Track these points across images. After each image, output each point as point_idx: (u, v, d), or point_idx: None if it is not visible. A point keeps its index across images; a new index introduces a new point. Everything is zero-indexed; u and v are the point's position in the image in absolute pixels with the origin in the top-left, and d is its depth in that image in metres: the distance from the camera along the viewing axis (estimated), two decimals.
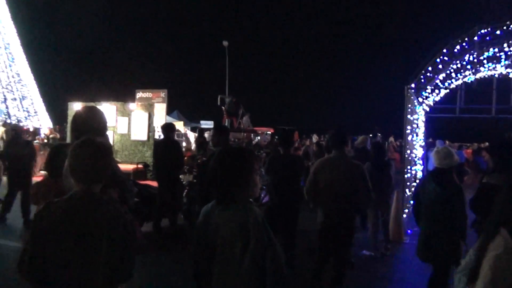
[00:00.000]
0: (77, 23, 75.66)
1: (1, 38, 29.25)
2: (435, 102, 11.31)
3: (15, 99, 29.38)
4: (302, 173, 5.61)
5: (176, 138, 15.25)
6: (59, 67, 51.48)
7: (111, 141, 15.07)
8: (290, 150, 5.69)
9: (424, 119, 11.51)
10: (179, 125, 19.52)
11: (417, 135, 9.94)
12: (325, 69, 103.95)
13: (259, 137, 21.56)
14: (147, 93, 16.05)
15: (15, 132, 8.57)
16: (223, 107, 19.99)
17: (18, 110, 29.32)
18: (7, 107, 28.72)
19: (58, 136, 16.22)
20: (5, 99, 28.90)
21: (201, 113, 34.53)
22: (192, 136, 18.68)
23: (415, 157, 10.02)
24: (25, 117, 28.91)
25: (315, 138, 21.97)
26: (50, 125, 27.30)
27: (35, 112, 29.93)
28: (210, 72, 65.97)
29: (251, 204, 2.15)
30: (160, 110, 15.25)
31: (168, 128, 7.68)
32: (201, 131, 16.20)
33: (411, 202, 5.06)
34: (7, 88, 29.03)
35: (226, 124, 18.75)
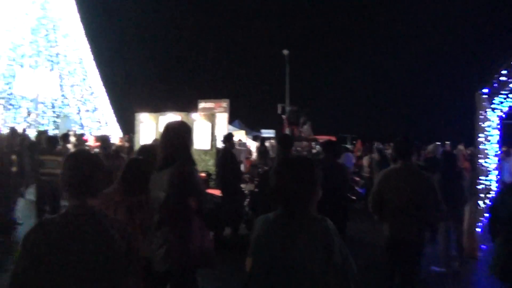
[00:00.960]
0: (143, 40, 79.29)
1: (77, 54, 31.28)
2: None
3: (88, 110, 31.25)
4: (347, 182, 5.47)
5: (237, 147, 15.52)
6: (128, 80, 54.19)
7: None
8: (334, 159, 5.54)
9: (498, 126, 10.78)
10: (241, 134, 19.72)
11: (490, 143, 9.33)
12: (390, 74, 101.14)
13: (317, 146, 21.27)
14: (210, 103, 16.38)
15: (104, 144, 8.68)
16: (283, 116, 19.94)
17: (91, 121, 31.13)
18: (80, 118, 30.60)
19: (126, 145, 16.95)
20: (79, 110, 30.82)
21: (262, 122, 34.76)
22: (253, 145, 18.81)
23: (489, 166, 9.39)
24: (97, 128, 30.60)
25: (378, 146, 21.30)
26: (120, 134, 28.71)
27: (106, 123, 31.61)
28: (271, 81, 66.45)
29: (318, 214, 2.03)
30: (222, 120, 15.49)
31: (225, 138, 7.82)
32: (262, 140, 16.27)
33: (486, 215, 4.71)
34: (81, 100, 30.95)
35: (287, 132, 18.71)
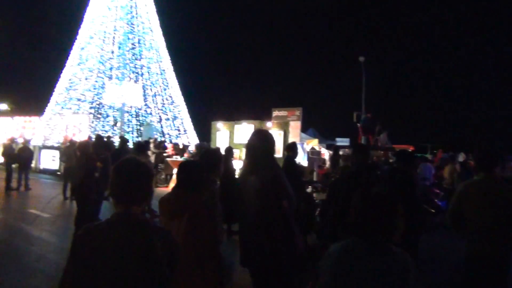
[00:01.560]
0: (219, 51, 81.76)
1: (158, 66, 33.05)
2: None
3: (168, 119, 32.80)
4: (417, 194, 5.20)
5: (311, 155, 15.41)
6: (205, 89, 56.14)
7: None
8: (409, 169, 5.24)
9: None
10: (314, 143, 19.59)
11: None
12: (471, 79, 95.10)
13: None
14: (283, 112, 16.47)
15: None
16: (358, 124, 19.48)
17: (171, 129, 32.62)
18: (161, 126, 32.20)
19: None
20: (160, 119, 32.45)
21: (336, 130, 34.28)
22: (327, 153, 18.57)
23: None
24: (176, 135, 31.99)
25: (462, 157, 20.02)
26: (197, 142, 29.78)
27: (185, 131, 32.94)
28: (345, 89, 65.36)
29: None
30: (295, 128, 15.51)
31: (287, 147, 7.80)
32: (336, 149, 16.00)
33: None
34: (162, 110, 32.59)
35: (362, 141, 18.21)
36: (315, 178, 12.72)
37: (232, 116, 21.32)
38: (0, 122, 25.51)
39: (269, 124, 15.76)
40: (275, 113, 16.57)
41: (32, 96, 44.54)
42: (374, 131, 17.14)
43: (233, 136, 16.68)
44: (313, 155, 15.81)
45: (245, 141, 14.43)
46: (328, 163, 16.38)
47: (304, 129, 20.02)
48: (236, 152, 14.90)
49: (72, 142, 14.60)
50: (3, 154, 15.06)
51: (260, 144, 3.47)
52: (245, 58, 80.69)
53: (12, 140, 16.06)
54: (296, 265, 3.37)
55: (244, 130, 16.31)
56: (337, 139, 29.34)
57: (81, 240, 1.88)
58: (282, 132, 15.31)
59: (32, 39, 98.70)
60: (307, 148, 16.36)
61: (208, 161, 3.71)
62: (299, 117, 15.92)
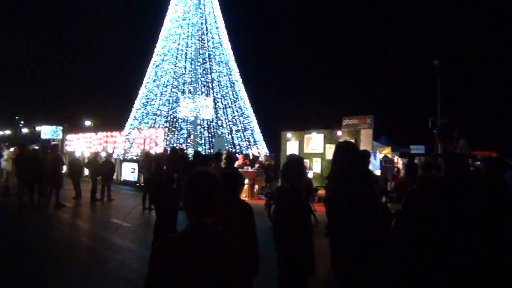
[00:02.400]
0: (286, 60, 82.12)
1: (228, 79, 33.94)
2: None
3: (238, 130, 33.47)
4: None
5: (384, 164, 14.92)
6: (274, 100, 56.63)
7: (319, 168, 15.67)
8: (500, 177, 4.86)
9: None
10: (387, 151, 18.97)
11: None
12: None
13: (479, 163, 19.21)
14: (354, 120, 16.15)
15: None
16: (434, 130, 18.60)
17: (241, 140, 33.24)
18: (232, 138, 32.92)
19: (272, 162, 17.63)
20: (231, 130, 33.21)
21: (410, 137, 32.91)
22: (401, 162, 17.91)
23: None
24: (246, 146, 32.52)
25: None
26: (267, 152, 30.04)
27: (255, 142, 33.40)
28: (419, 94, 62.68)
29: None
30: (367, 136, 15.13)
31: (363, 155, 7.56)
32: (411, 157, 15.37)
33: None
34: (232, 121, 33.34)
35: (439, 148, 17.35)
36: (389, 188, 12.29)
37: (302, 125, 21.27)
38: (85, 137, 27.50)
39: (339, 132, 15.53)
40: (346, 121, 16.29)
41: (113, 112, 47.56)
42: (451, 137, 16.27)
43: (303, 146, 16.62)
44: (387, 163, 15.32)
45: (315, 151, 14.33)
46: (402, 172, 15.79)
47: (376, 137, 19.47)
48: (306, 162, 14.83)
49: (148, 155, 15.37)
50: (89, 168, 16.20)
51: (346, 157, 3.54)
52: (314, 67, 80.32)
53: (97, 154, 17.22)
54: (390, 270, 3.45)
55: (314, 140, 16.21)
56: (412, 146, 28.21)
57: (158, 252, 1.94)
58: (353, 141, 15.00)
59: (112, 61, 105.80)
60: (380, 156, 15.90)
61: (294, 171, 3.99)
62: (371, 125, 15.52)
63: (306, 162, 14.77)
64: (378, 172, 13.95)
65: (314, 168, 15.81)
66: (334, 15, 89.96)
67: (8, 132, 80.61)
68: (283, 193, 4.08)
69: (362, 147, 14.74)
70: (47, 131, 35.92)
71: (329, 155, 15.47)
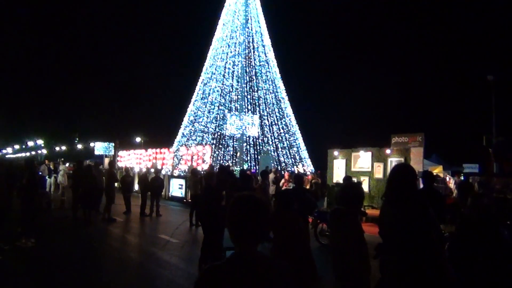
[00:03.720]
0: (333, 79, 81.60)
1: (274, 96, 34.15)
2: None
3: (284, 147, 33.46)
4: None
5: (434, 184, 14.37)
6: (321, 117, 56.23)
7: (366, 187, 15.32)
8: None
9: None
10: (438, 170, 18.31)
11: None
12: None
13: None
14: (403, 138, 15.74)
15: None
16: (490, 149, 17.78)
17: (287, 157, 33.19)
18: (278, 155, 32.93)
19: (319, 181, 17.43)
20: (277, 147, 33.25)
21: (463, 155, 31.60)
22: (452, 181, 17.20)
23: None
24: (292, 164, 32.40)
25: None
26: (312, 170, 29.79)
27: (300, 159, 33.23)
28: (473, 110, 60.27)
29: None
30: (417, 155, 14.66)
31: (426, 176, 7.29)
32: (466, 176, 14.75)
33: None
34: (278, 139, 33.41)
35: (494, 168, 16.56)
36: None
37: (349, 143, 20.97)
38: (135, 153, 28.41)
39: (388, 151, 15.15)
40: (395, 139, 15.89)
41: (162, 129, 48.95)
42: (508, 156, 15.46)
43: (350, 164, 16.32)
44: (438, 183, 14.75)
45: (363, 169, 14.05)
46: (455, 192, 15.13)
47: (426, 155, 18.86)
48: (354, 181, 14.54)
49: (195, 172, 15.62)
50: (139, 183, 16.69)
51: (402, 177, 3.57)
52: (361, 84, 79.41)
53: (147, 170, 17.71)
54: None
55: (362, 158, 15.90)
56: (464, 165, 27.09)
57: (203, 281, 1.92)
58: (402, 159, 14.58)
59: (162, 80, 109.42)
60: None
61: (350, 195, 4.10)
62: (421, 143, 15.06)
63: (354, 180, 14.49)
64: None
65: (362, 186, 15.47)
66: (381, 33, 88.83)
67: (64, 148, 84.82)
68: (340, 215, 4.12)
69: (412, 165, 14.32)
70: (100, 147, 37.45)
71: (378, 174, 15.11)
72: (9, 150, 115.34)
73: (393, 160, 14.81)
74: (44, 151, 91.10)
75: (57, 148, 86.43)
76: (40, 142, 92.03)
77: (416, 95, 73.85)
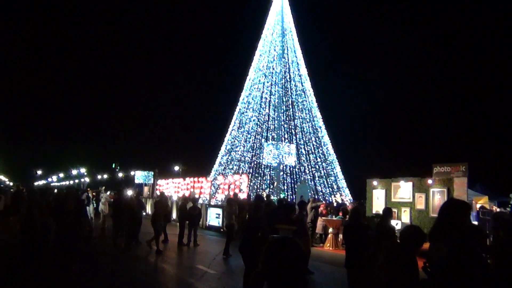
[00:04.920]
0: (371, 107, 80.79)
1: (311, 125, 34.07)
2: None
3: (321, 176, 33.08)
4: None
5: (481, 216, 13.77)
6: (358, 145, 55.52)
7: (408, 218, 14.85)
8: None
9: None
10: (483, 200, 17.56)
11: None
12: None
13: None
14: (445, 168, 15.24)
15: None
16: None
17: (324, 187, 32.75)
18: (315, 184, 32.55)
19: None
20: (314, 177, 32.91)
21: (510, 184, 30.17)
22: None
23: None
24: (329, 193, 31.91)
25: None
26: (351, 199, 29.22)
27: (338, 188, 32.69)
28: None
29: None
30: (461, 185, 14.14)
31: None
32: None
33: None
34: (315, 168, 33.10)
35: None
36: (488, 243, 11.24)
37: (388, 172, 20.50)
38: (174, 182, 28.84)
39: (430, 181, 14.71)
40: (436, 169, 15.41)
41: (200, 158, 49.57)
42: None
43: (390, 194, 15.92)
44: (484, 215, 14.11)
45: (404, 200, 13.61)
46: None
47: (470, 185, 18.14)
48: (394, 212, 14.16)
49: (230, 201, 15.65)
50: (177, 212, 16.85)
51: (451, 213, 3.56)
52: (400, 112, 78.01)
53: (186, 200, 17.90)
54: None
55: (402, 188, 15.49)
56: None
57: None
58: (445, 190, 14.11)
59: (199, 110, 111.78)
60: (477, 207, 14.73)
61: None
62: (465, 173, 14.52)
63: (394, 211, 14.10)
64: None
65: (403, 218, 15.02)
66: (418, 60, 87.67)
67: (105, 176, 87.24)
68: (394, 252, 4.12)
69: (456, 197, 13.80)
70: (140, 176, 38.26)
71: (419, 205, 14.67)
72: (54, 178, 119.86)
73: (436, 191, 14.36)
74: (87, 179, 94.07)
75: (99, 176, 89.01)
76: (83, 170, 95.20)
77: (457, 122, 71.81)
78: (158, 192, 30.13)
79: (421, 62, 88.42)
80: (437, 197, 14.26)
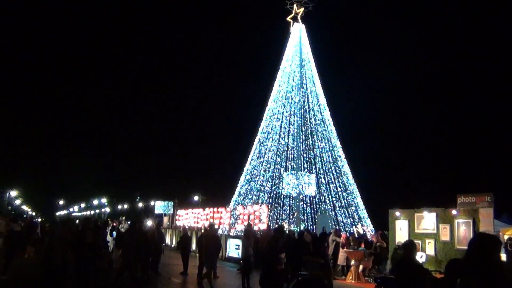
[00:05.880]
0: (392, 136, 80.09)
1: (330, 154, 33.89)
2: None
3: (342, 206, 32.63)
4: None
5: (510, 248, 13.30)
6: (379, 175, 54.81)
7: (433, 250, 14.42)
8: None
9: None
10: (511, 231, 17.01)
11: None
12: None
13: None
14: (470, 198, 14.85)
15: None
16: None
17: (345, 217, 32.25)
18: (335, 214, 32.10)
19: (384, 244, 16.65)
20: (334, 207, 32.49)
21: None
22: None
23: None
24: (350, 224, 31.38)
25: None
26: (372, 231, 28.62)
27: (359, 219, 32.14)
28: None
29: None
30: (486, 216, 13.74)
31: None
32: None
33: None
34: (335, 197, 32.71)
35: None
36: None
37: (411, 202, 20.09)
38: (193, 212, 28.82)
39: (454, 211, 14.34)
40: (461, 199, 15.03)
41: (219, 188, 49.58)
42: None
43: (413, 225, 15.53)
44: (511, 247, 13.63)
45: (428, 231, 13.23)
46: None
47: (497, 215, 17.60)
48: (418, 243, 13.80)
49: (247, 233, 15.43)
50: (197, 243, 16.74)
51: (478, 248, 3.55)
52: (421, 140, 77.07)
53: (205, 230, 17.81)
54: None
55: (426, 219, 15.12)
56: None
57: None
58: (470, 221, 13.72)
59: (219, 140, 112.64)
60: (504, 238, 14.26)
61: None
62: (490, 203, 14.12)
63: (418, 243, 13.74)
64: (502, 257, 12.42)
65: (428, 250, 14.60)
66: (440, 92, 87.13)
67: (126, 206, 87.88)
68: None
69: (482, 228, 13.40)
70: (159, 206, 38.41)
71: (444, 236, 14.26)
72: (75, 208, 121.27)
73: (461, 222, 13.98)
74: (108, 209, 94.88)
75: (119, 206, 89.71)
76: (104, 200, 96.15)
77: (481, 151, 70.41)
78: (177, 223, 30.15)
79: (444, 94, 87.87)
80: (462, 228, 13.87)
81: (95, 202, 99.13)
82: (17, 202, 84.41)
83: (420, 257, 12.87)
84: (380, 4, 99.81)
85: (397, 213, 16.38)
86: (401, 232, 15.89)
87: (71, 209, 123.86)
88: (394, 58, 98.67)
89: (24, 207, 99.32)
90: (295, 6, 35.66)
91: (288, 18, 36.28)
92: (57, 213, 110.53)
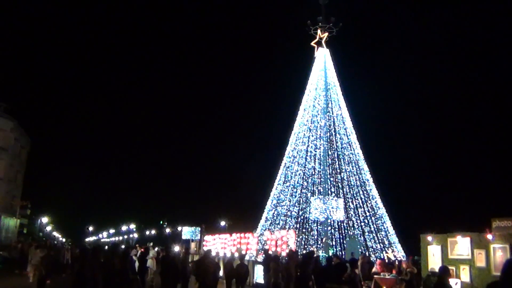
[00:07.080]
0: (420, 156, 78.57)
1: (358, 178, 33.40)
2: None
3: (371, 231, 31.89)
4: None
5: None
6: (410, 198, 53.63)
7: (468, 277, 13.86)
8: None
9: None
10: None
11: None
12: None
13: None
14: (505, 222, 14.31)
15: None
16: None
17: (374, 242, 31.47)
18: (365, 239, 31.39)
19: (415, 270, 16.10)
20: (363, 231, 31.79)
21: None
22: None
23: None
24: (380, 249, 30.59)
25: None
26: (404, 257, 27.80)
27: (389, 244, 31.32)
28: None
29: None
30: None
31: None
32: None
33: None
34: (364, 222, 32.05)
35: None
36: None
37: (444, 226, 19.50)
38: (220, 238, 28.66)
39: (490, 236, 13.83)
40: (496, 223, 14.50)
41: (246, 213, 49.43)
42: None
43: (446, 251, 15.02)
44: None
45: (462, 257, 12.79)
46: None
47: None
48: (452, 270, 13.31)
49: (276, 258, 15.23)
50: (224, 269, 16.62)
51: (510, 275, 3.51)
52: (454, 161, 75.32)
53: (233, 256, 17.71)
54: None
55: (460, 244, 14.61)
56: None
57: None
58: (507, 246, 13.18)
59: (244, 165, 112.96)
60: None
61: None
62: None
63: (452, 269, 13.25)
64: None
65: (462, 276, 14.05)
66: (470, 113, 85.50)
67: (153, 232, 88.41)
68: None
69: None
70: (186, 232, 38.42)
71: (480, 262, 13.73)
72: (105, 234, 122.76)
73: (497, 247, 13.45)
74: (136, 235, 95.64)
75: (147, 232, 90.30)
76: (132, 226, 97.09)
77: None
78: (204, 249, 30.00)
79: (480, 112, 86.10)
80: (499, 253, 13.33)
81: (124, 228, 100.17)
82: (48, 228, 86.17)
83: (455, 284, 12.40)
84: (402, 26, 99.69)
85: (429, 238, 15.89)
86: (433, 258, 15.38)
87: (100, 235, 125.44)
88: (421, 78, 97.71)
89: (55, 233, 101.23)
90: (319, 31, 35.92)
91: (313, 43, 36.53)
92: (87, 239, 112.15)
